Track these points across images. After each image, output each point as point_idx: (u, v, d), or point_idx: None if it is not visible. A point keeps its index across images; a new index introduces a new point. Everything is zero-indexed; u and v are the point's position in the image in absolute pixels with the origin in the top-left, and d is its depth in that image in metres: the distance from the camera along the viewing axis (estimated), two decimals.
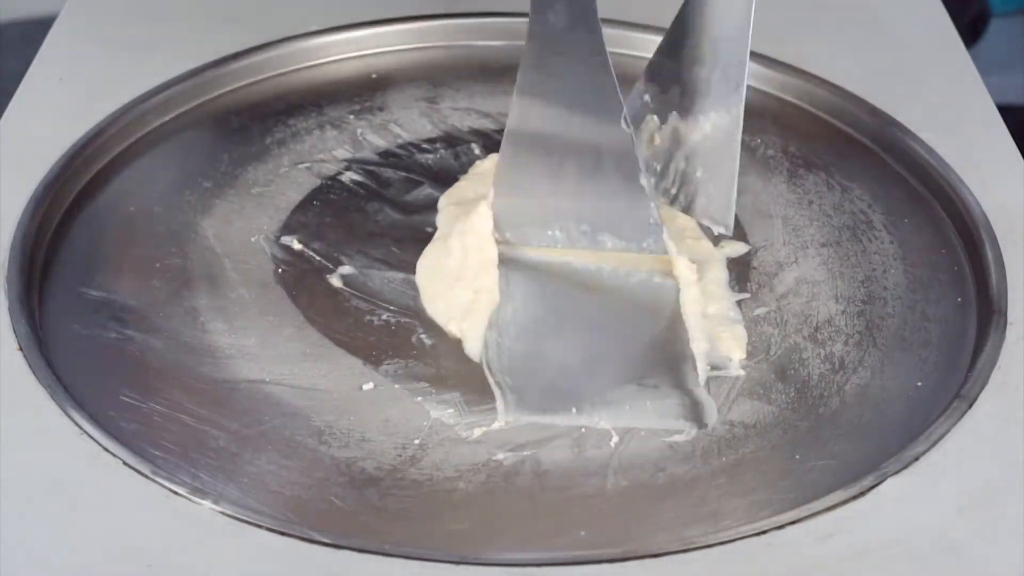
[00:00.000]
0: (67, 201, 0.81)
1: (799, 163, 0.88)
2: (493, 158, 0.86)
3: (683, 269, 0.77)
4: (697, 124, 0.78)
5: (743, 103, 0.77)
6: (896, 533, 0.63)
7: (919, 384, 0.73)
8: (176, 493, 0.64)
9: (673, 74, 0.79)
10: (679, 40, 0.78)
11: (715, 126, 0.78)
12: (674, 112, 0.79)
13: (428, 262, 0.78)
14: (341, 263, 0.79)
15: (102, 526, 0.63)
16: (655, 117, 0.80)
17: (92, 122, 0.85)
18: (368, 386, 0.71)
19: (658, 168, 0.80)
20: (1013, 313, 0.75)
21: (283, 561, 0.62)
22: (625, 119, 0.75)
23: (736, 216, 0.83)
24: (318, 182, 0.85)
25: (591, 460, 0.68)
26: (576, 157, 0.77)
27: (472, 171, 0.85)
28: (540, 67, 0.76)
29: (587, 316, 0.77)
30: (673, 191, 0.80)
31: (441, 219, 0.82)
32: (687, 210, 0.79)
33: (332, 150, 0.87)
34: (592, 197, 0.77)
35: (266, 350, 0.73)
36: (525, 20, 0.96)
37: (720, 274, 0.79)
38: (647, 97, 0.80)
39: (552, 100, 0.76)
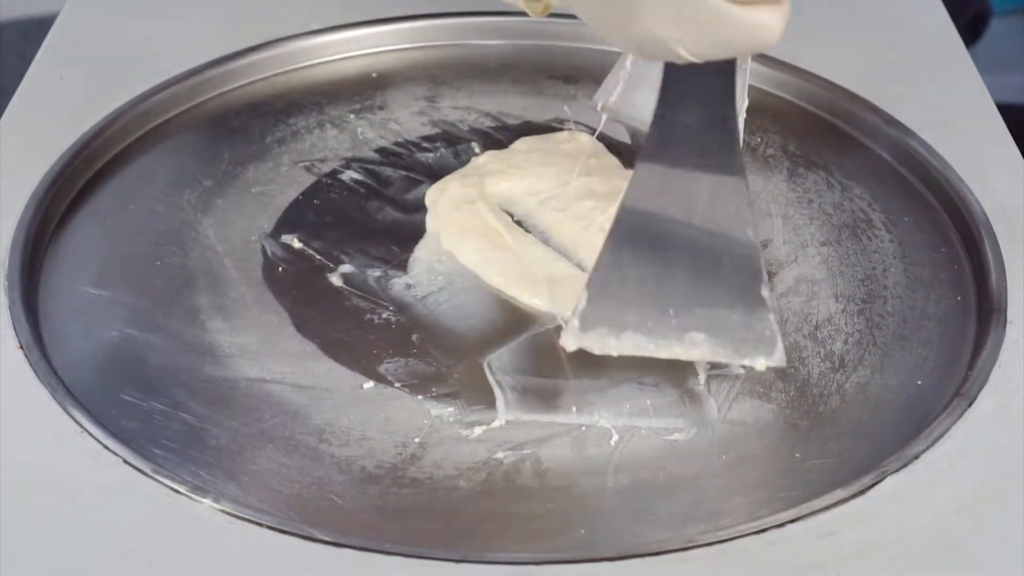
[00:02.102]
0: (67, 201, 0.81)
1: (799, 162, 0.88)
2: (489, 154, 0.86)
3: None
4: None
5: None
6: (896, 532, 0.63)
7: (919, 383, 0.72)
8: (177, 491, 0.64)
9: None
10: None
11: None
12: None
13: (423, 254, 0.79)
14: (341, 262, 0.79)
15: (102, 525, 0.63)
16: None
17: (92, 122, 0.85)
18: (368, 385, 0.71)
19: None
20: (1013, 312, 0.75)
21: (283, 559, 0.62)
22: (753, 229, 0.70)
23: None
24: (318, 181, 0.85)
25: (591, 458, 0.68)
26: (691, 259, 0.71)
27: (468, 168, 0.85)
28: (662, 164, 0.70)
29: None
30: None
31: (431, 216, 0.82)
32: None
33: (332, 149, 0.87)
34: (703, 300, 0.71)
35: (266, 349, 0.73)
36: (525, 20, 0.97)
37: None
38: None
39: (673, 199, 0.70)
